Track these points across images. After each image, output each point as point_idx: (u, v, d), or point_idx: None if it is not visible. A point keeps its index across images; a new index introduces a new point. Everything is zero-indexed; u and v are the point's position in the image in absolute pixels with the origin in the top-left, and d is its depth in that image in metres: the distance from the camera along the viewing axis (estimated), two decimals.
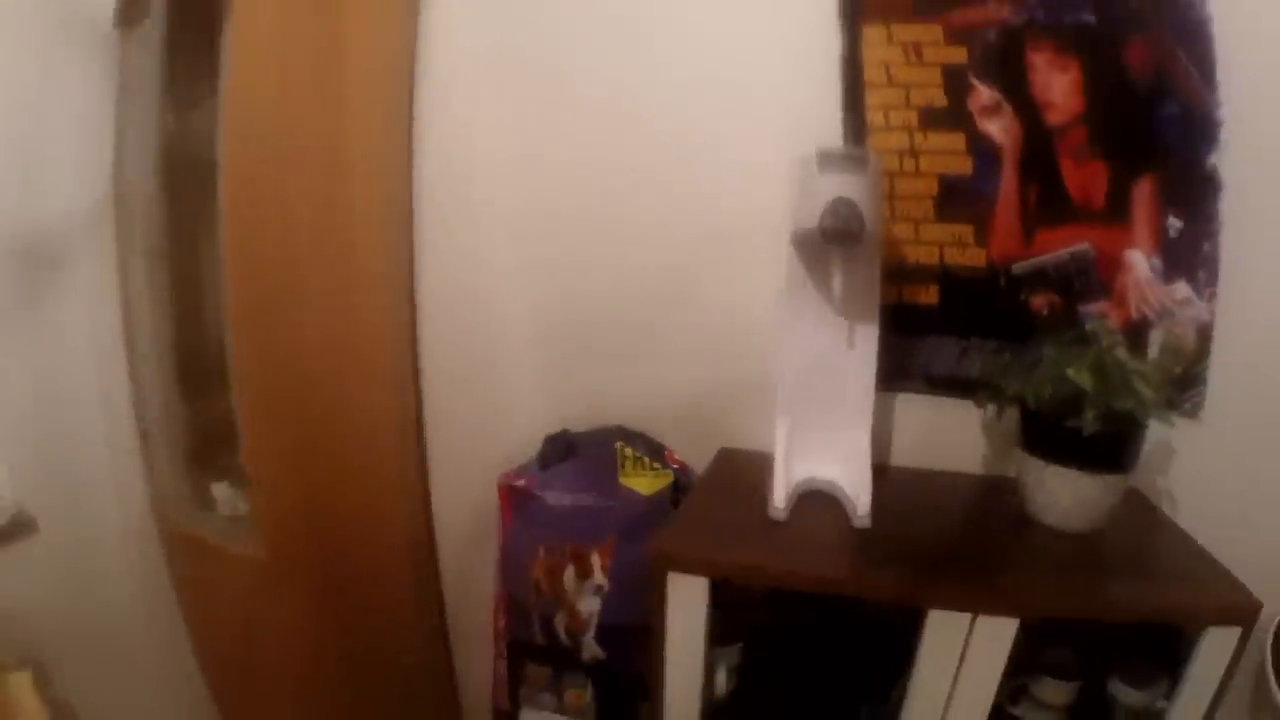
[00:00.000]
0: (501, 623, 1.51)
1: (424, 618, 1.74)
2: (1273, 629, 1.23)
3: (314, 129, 1.36)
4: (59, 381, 1.54)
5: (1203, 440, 1.30)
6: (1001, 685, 1.02)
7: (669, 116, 1.42)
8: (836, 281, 1.12)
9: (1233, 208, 1.24)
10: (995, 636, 0.97)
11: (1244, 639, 0.95)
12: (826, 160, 1.06)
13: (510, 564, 1.45)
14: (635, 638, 1.29)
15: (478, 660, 1.73)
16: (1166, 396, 1.09)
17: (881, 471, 1.29)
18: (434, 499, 1.73)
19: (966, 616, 0.96)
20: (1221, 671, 0.97)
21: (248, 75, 1.26)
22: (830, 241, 1.07)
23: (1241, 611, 0.96)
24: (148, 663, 1.71)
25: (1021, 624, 0.96)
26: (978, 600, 0.97)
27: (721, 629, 1.11)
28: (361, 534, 1.55)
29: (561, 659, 1.41)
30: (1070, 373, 1.04)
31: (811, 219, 1.05)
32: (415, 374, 1.63)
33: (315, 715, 1.56)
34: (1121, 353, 1.08)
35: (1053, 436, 1.08)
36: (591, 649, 1.38)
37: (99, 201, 1.54)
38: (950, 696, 1.02)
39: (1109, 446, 1.05)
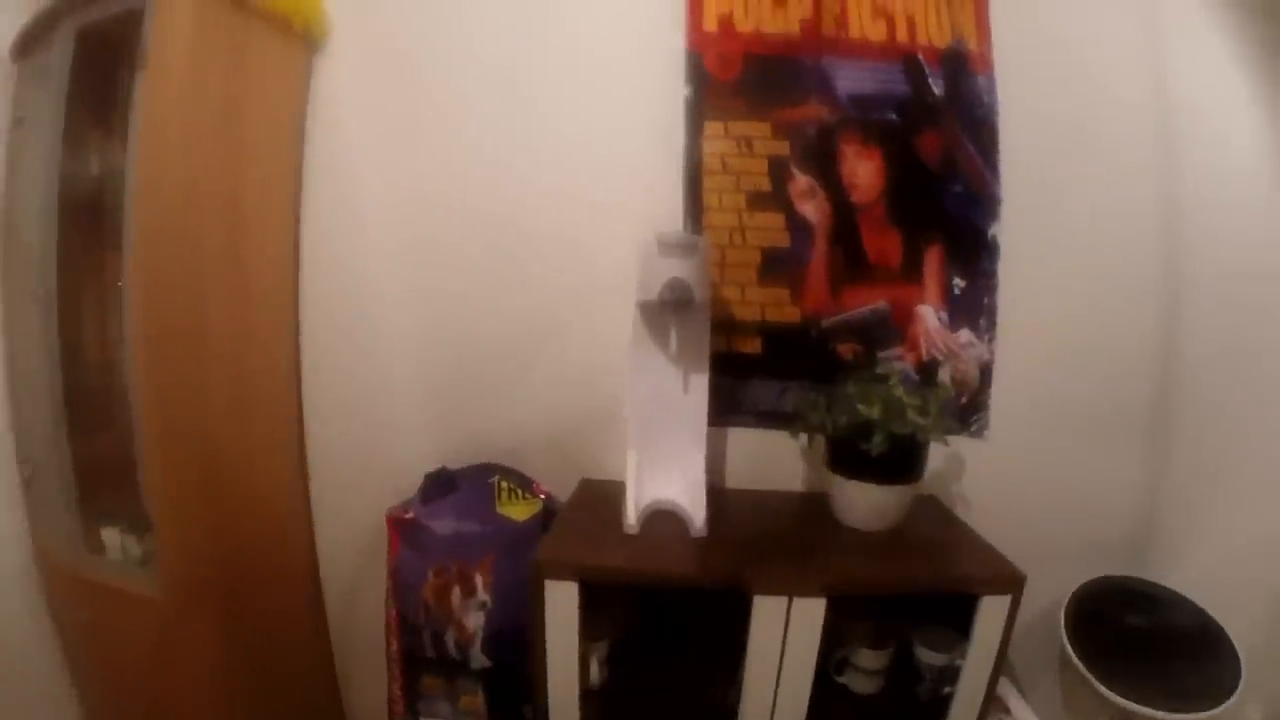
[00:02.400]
0: (395, 644, 1.70)
1: (317, 644, 1.92)
2: (1064, 604, 1.66)
3: (218, 177, 1.51)
4: None
5: (987, 454, 1.72)
6: (826, 658, 1.35)
7: (547, 178, 1.71)
8: (673, 338, 1.46)
9: (1007, 268, 1.68)
10: (809, 614, 1.28)
11: (1014, 604, 1.31)
12: (664, 245, 1.39)
13: (401, 588, 1.65)
14: (517, 643, 1.54)
15: (368, 680, 1.92)
16: (944, 423, 1.46)
17: (717, 492, 1.62)
18: (318, 530, 1.90)
19: (784, 599, 1.27)
20: (1000, 632, 1.32)
21: (160, 124, 1.38)
22: (667, 310, 1.42)
23: (1010, 581, 1.32)
24: (39, 709, 1.78)
25: (830, 602, 1.28)
26: (792, 584, 1.28)
27: (592, 627, 1.37)
28: (260, 566, 1.69)
29: (453, 669, 1.63)
30: (861, 407, 1.40)
31: (652, 292, 1.40)
32: (300, 409, 1.83)
33: None
34: (900, 389, 1.44)
35: (850, 457, 1.43)
36: (479, 659, 1.60)
37: None
38: (780, 669, 1.32)
39: (895, 463, 1.41)
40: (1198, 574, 1.82)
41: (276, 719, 1.75)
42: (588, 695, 1.41)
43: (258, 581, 1.69)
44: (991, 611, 1.32)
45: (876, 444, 1.36)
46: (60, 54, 1.51)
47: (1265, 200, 1.71)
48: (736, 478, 1.76)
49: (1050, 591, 1.71)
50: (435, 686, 1.66)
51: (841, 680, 1.48)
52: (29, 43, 1.59)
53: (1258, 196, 1.70)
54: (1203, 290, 1.79)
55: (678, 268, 1.38)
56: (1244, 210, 1.71)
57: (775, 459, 1.74)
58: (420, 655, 1.65)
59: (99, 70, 1.55)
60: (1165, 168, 1.69)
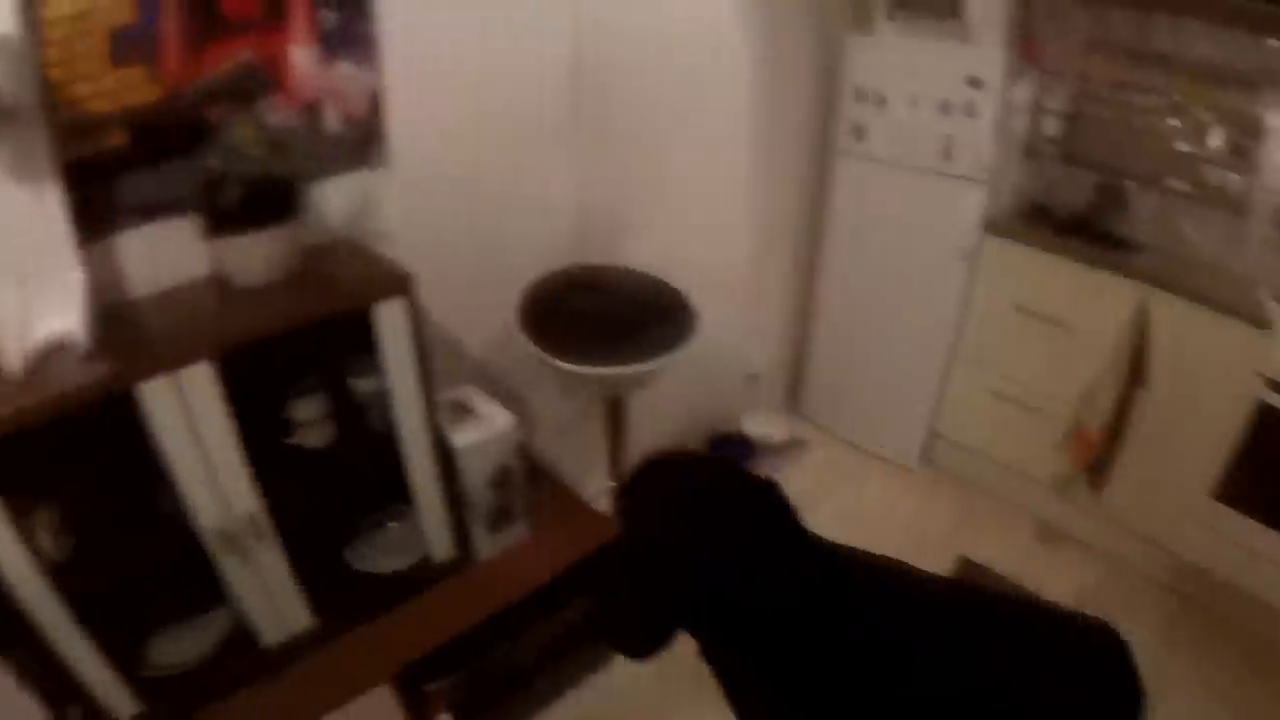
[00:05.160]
0: None
1: None
2: (519, 301, 1.83)
3: None
4: None
5: (393, 184, 1.76)
6: (269, 425, 1.41)
7: None
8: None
9: None
10: (200, 383, 1.29)
11: (411, 304, 1.41)
12: None
13: None
14: None
15: None
16: (310, 159, 1.50)
17: (122, 305, 1.51)
18: None
19: (170, 379, 1.26)
20: (406, 338, 1.43)
21: None
22: None
23: (397, 283, 1.41)
24: None
25: (226, 364, 1.30)
26: (170, 361, 1.27)
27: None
28: None
29: None
30: (212, 161, 1.39)
31: None
32: None
33: None
34: (244, 134, 1.44)
35: (217, 217, 1.42)
36: None
37: None
38: (204, 451, 1.33)
39: (262, 209, 1.41)
40: (650, 254, 2.15)
41: None
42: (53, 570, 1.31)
43: None
44: (390, 317, 1.42)
45: (227, 194, 1.36)
46: None
47: None
48: (145, 284, 1.63)
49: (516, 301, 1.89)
50: None
51: (295, 441, 1.54)
52: None
53: None
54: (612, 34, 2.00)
55: None
56: None
57: (176, 250, 1.63)
58: None
59: None
60: None
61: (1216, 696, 2.33)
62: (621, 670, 2.07)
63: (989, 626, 1.25)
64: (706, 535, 1.18)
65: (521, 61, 1.90)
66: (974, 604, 1.32)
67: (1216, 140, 2.73)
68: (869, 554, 1.29)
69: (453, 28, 1.77)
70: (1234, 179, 2.74)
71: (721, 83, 2.43)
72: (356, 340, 1.48)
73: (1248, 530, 2.46)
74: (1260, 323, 2.30)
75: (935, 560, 2.63)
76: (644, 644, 1.22)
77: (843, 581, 1.21)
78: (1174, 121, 2.76)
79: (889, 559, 1.30)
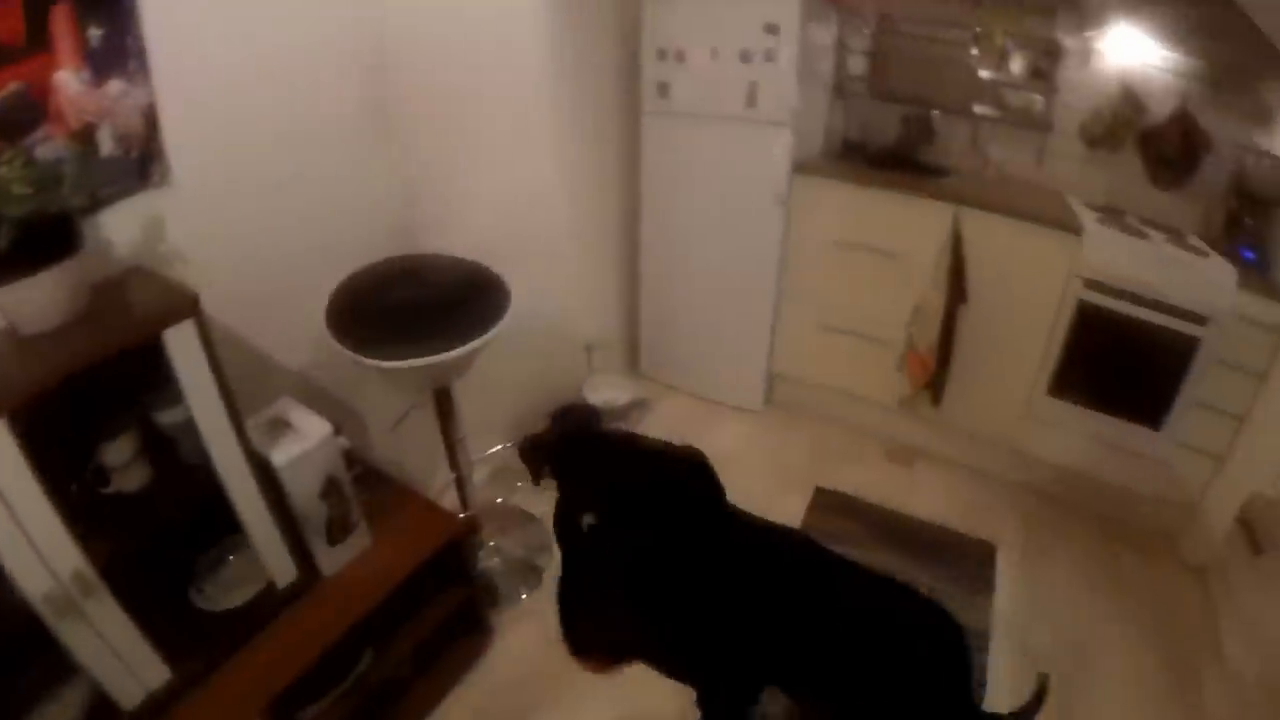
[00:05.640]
0: None
1: None
2: (327, 303, 1.79)
3: None
4: None
5: (183, 204, 1.68)
6: (82, 474, 1.34)
7: None
8: None
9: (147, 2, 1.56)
10: None
11: (199, 324, 1.35)
12: None
13: None
14: None
15: None
16: (78, 188, 1.39)
17: None
18: None
19: None
20: (201, 361, 1.37)
21: None
22: None
23: (183, 305, 1.35)
24: None
25: (17, 418, 1.20)
26: None
27: None
28: None
29: None
30: None
31: None
32: None
33: None
34: (19, 175, 1.30)
35: None
36: None
37: None
38: (14, 517, 1.23)
39: (35, 248, 1.30)
40: (469, 238, 2.12)
41: None
42: None
43: None
44: (180, 342, 1.35)
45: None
46: None
47: None
48: None
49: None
50: None
51: (111, 490, 1.46)
52: None
53: None
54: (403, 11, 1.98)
55: None
56: None
57: None
58: None
59: None
60: None
61: (1080, 570, 2.58)
62: (501, 661, 2.08)
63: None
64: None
65: (307, 59, 1.84)
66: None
67: (1017, 66, 2.91)
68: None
69: (228, 30, 1.71)
70: (1036, 99, 2.93)
71: (522, 56, 2.39)
72: (156, 372, 1.40)
73: (1084, 419, 2.68)
74: (1073, 228, 2.48)
75: (799, 493, 2.77)
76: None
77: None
78: (975, 51, 2.92)
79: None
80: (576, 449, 1.52)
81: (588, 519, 1.38)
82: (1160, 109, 2.74)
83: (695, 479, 1.47)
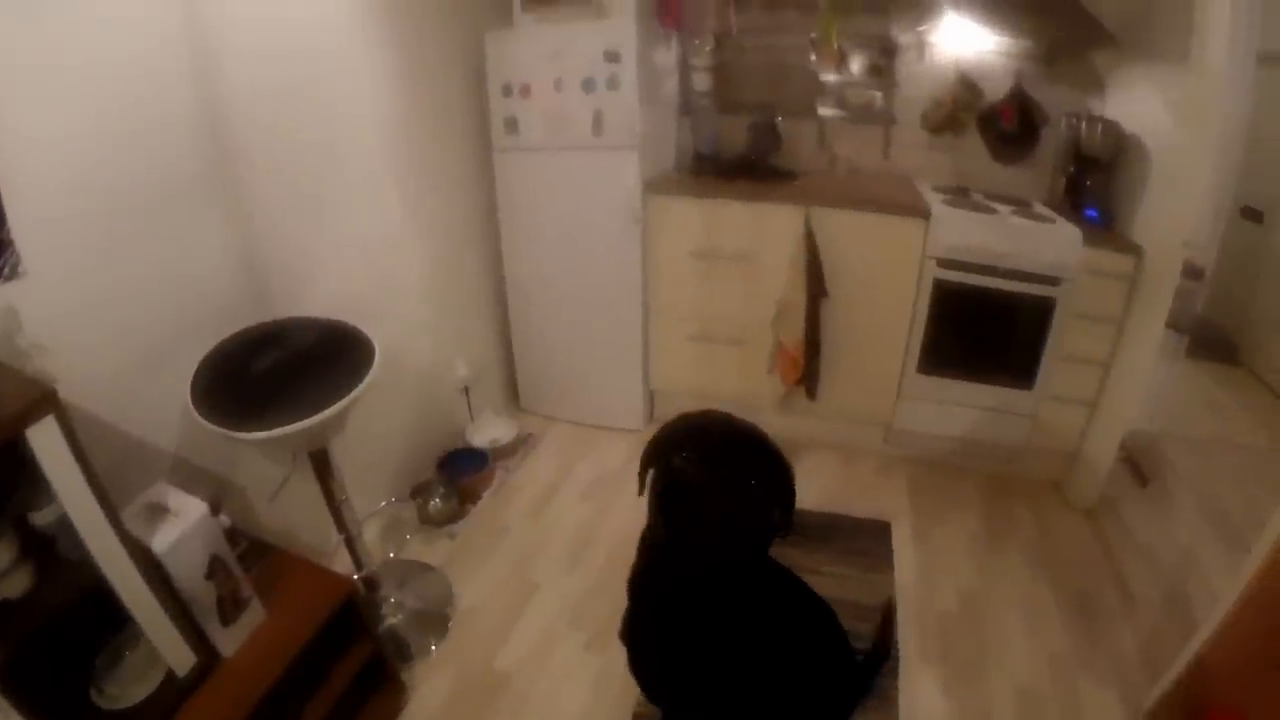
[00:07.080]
0: None
1: None
2: (193, 378, 1.78)
3: None
4: None
5: (36, 293, 1.65)
6: None
7: None
8: None
9: None
10: None
11: (64, 422, 1.34)
12: None
13: None
14: None
15: None
16: None
17: None
18: None
19: None
20: (67, 456, 1.36)
21: None
22: None
23: (44, 401, 1.33)
24: None
25: None
26: None
27: None
28: None
29: None
30: None
31: None
32: None
33: None
34: None
35: None
36: None
37: None
38: None
39: None
40: (330, 295, 2.17)
41: None
42: None
43: None
44: (44, 439, 1.34)
45: None
46: None
47: None
48: None
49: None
50: None
51: None
52: None
53: None
54: (237, 67, 2.00)
55: None
56: None
57: None
58: None
59: None
60: None
61: (974, 530, 2.78)
62: (419, 715, 2.09)
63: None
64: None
65: (139, 121, 1.83)
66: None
67: (856, 65, 3.12)
68: None
69: (62, 109, 1.69)
70: (877, 95, 3.15)
71: (364, 103, 2.46)
72: (24, 472, 1.38)
73: (958, 390, 2.89)
74: (922, 212, 2.67)
75: None
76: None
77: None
78: (814, 55, 3.12)
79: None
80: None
81: (680, 458, 1.42)
82: (996, 90, 3.00)
83: (784, 470, 1.49)
